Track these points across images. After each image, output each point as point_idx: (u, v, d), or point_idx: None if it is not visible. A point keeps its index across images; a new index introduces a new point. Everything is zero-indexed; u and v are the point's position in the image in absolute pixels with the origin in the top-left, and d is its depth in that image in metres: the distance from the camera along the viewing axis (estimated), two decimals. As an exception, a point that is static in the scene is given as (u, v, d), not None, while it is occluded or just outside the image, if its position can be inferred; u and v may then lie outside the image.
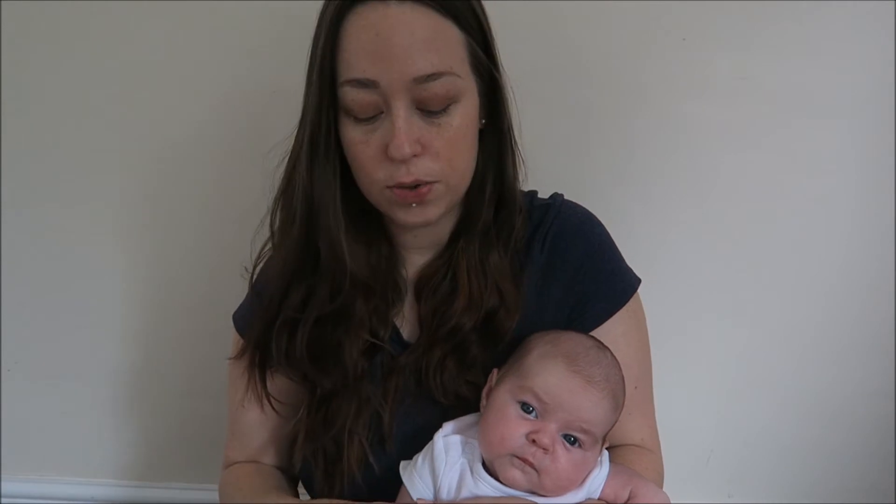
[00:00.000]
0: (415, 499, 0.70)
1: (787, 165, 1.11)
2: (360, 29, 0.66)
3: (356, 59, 0.67)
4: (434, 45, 0.67)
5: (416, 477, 0.71)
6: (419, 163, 0.68)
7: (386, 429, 0.78)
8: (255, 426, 0.86)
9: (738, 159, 1.11)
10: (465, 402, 0.76)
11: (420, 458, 0.73)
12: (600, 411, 0.69)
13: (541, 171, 1.09)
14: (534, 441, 0.66)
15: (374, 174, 0.70)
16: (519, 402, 0.69)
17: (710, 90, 1.09)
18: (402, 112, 0.67)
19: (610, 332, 0.79)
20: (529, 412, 0.69)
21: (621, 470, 0.72)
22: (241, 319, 0.86)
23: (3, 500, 1.33)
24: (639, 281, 0.83)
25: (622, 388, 0.72)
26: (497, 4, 1.05)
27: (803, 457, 1.23)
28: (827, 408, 1.20)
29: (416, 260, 0.82)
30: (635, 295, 0.82)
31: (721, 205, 1.13)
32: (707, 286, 1.17)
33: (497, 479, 0.68)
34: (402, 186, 0.69)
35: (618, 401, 0.71)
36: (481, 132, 0.75)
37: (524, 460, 0.66)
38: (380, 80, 0.66)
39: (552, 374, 0.69)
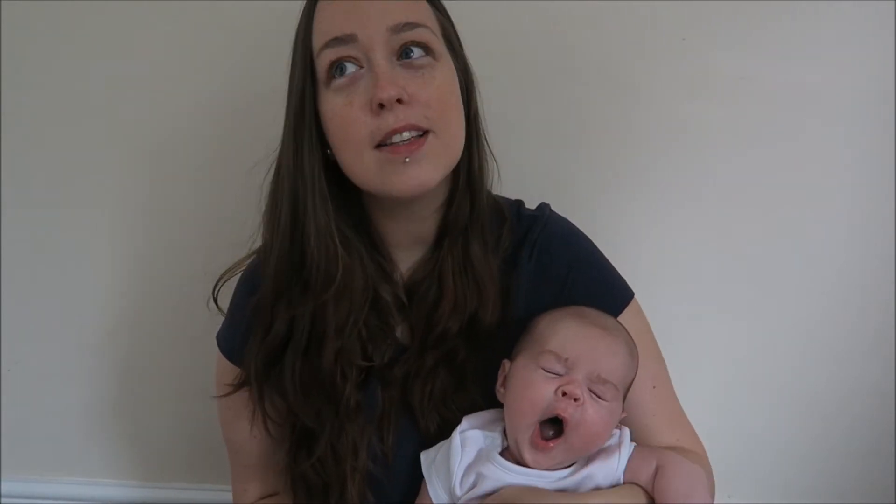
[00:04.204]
0: (434, 502, 0.71)
1: (787, 165, 1.11)
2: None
3: (332, 20, 0.68)
4: (408, 3, 0.69)
5: (433, 476, 0.72)
6: (408, 110, 0.66)
7: (387, 449, 0.77)
8: (266, 449, 0.85)
9: (737, 159, 1.11)
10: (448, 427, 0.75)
11: (439, 455, 0.73)
12: (619, 359, 0.71)
13: (540, 172, 1.10)
14: (564, 394, 0.67)
15: (361, 134, 0.67)
16: (541, 368, 0.70)
17: (709, 90, 1.09)
18: (383, 61, 0.67)
19: None
20: (553, 374, 0.70)
21: (644, 448, 0.72)
22: (227, 341, 0.84)
23: (3, 500, 1.33)
24: (632, 293, 0.82)
25: (633, 343, 0.74)
26: (497, 5, 1.06)
27: (803, 457, 1.23)
28: (826, 407, 1.20)
29: (406, 260, 0.80)
30: (634, 304, 0.81)
31: (720, 204, 1.13)
32: (706, 286, 1.17)
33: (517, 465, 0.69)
34: (392, 142, 0.67)
35: (632, 353, 0.73)
36: None
37: (556, 417, 0.67)
38: (357, 33, 0.67)
39: (568, 330, 0.71)
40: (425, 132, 0.67)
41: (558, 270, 0.79)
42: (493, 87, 0.81)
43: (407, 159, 0.66)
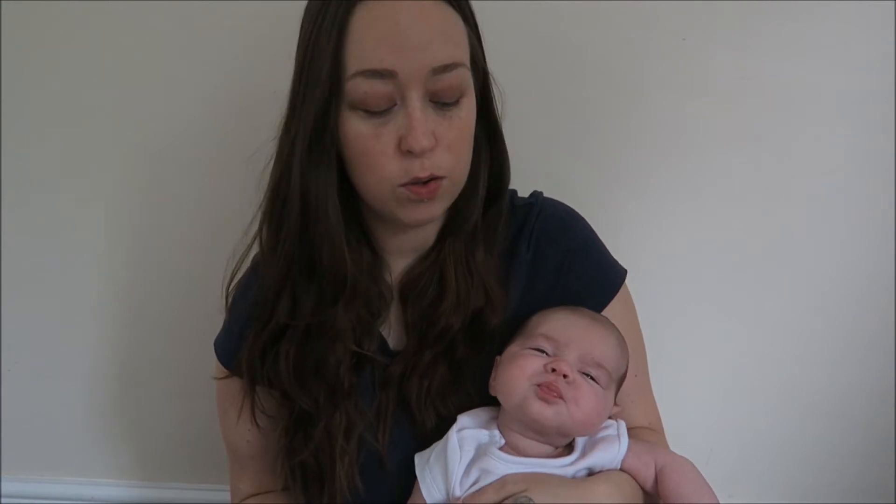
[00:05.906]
0: (428, 502, 0.70)
1: (787, 165, 1.11)
2: (375, 20, 0.65)
3: (372, 49, 0.65)
4: (449, 36, 0.67)
5: (427, 476, 0.71)
6: (433, 156, 0.67)
7: (382, 447, 0.77)
8: (258, 451, 0.85)
9: (737, 159, 1.11)
10: (444, 424, 0.75)
11: (433, 455, 0.72)
12: (610, 346, 0.72)
13: (540, 171, 1.09)
14: (553, 370, 0.68)
15: (385, 170, 0.67)
16: (531, 348, 0.71)
17: (709, 90, 1.09)
18: (418, 103, 0.66)
19: None
20: (541, 352, 0.70)
21: (639, 442, 0.73)
22: (223, 346, 0.84)
23: (3, 500, 1.33)
24: (625, 272, 0.83)
25: (623, 339, 0.75)
26: (498, 4, 1.06)
27: (803, 456, 1.24)
28: (826, 407, 1.20)
29: (399, 264, 0.80)
30: (624, 286, 0.82)
31: (720, 205, 1.13)
32: (706, 286, 1.17)
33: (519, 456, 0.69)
34: (416, 182, 0.67)
35: (622, 345, 0.74)
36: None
37: (549, 387, 0.67)
38: (398, 71, 0.64)
39: (559, 317, 0.73)
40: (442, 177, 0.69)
41: (554, 258, 0.79)
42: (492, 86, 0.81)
43: (425, 201, 0.69)
